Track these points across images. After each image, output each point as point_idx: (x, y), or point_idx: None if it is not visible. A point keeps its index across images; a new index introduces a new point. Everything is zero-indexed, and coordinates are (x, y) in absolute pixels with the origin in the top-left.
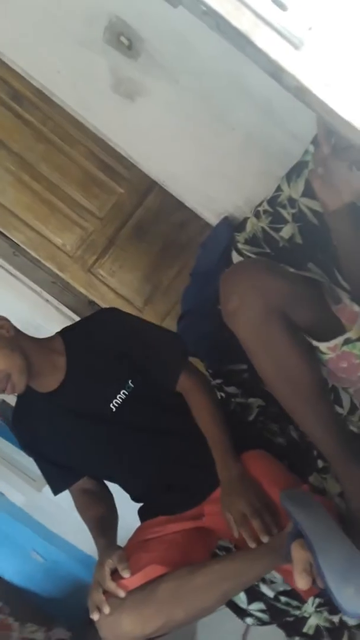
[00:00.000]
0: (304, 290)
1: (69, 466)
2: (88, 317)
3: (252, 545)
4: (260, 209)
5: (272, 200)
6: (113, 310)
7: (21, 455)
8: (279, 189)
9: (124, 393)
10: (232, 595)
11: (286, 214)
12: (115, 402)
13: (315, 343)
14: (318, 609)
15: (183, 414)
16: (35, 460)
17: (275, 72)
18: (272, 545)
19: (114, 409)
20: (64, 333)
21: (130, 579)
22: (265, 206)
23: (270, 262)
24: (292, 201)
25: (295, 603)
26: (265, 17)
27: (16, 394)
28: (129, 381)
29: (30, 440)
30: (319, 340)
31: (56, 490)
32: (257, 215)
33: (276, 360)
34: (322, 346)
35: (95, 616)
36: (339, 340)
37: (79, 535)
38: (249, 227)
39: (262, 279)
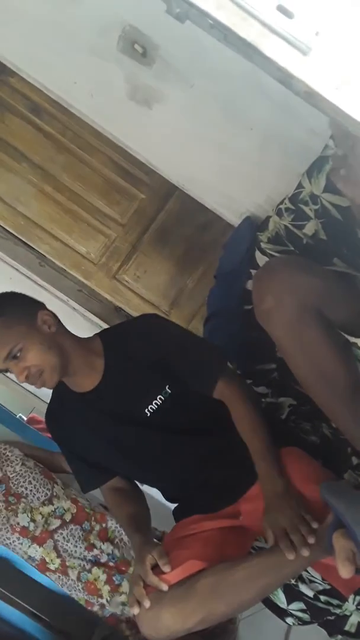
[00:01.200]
0: (338, 285)
1: (100, 465)
2: (127, 322)
3: (291, 557)
4: (282, 206)
5: (294, 198)
6: (152, 317)
7: None
8: (300, 185)
9: (160, 399)
10: (272, 589)
11: (308, 210)
12: (151, 408)
13: (352, 339)
14: (359, 607)
15: (219, 416)
16: (66, 456)
17: (285, 78)
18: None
19: (149, 414)
20: (102, 335)
21: (170, 574)
22: (287, 204)
23: (301, 260)
24: (314, 197)
25: (335, 602)
26: (272, 25)
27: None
28: (167, 387)
29: (62, 436)
30: (356, 335)
31: (86, 488)
32: (279, 213)
33: (312, 359)
34: None
35: (135, 610)
36: None
37: None
38: (271, 225)
39: (295, 277)
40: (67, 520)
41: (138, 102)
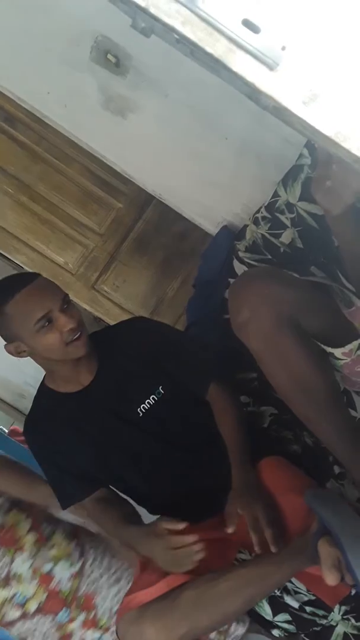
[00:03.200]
0: (314, 296)
1: (86, 473)
2: (119, 324)
3: (258, 550)
4: (259, 215)
5: (270, 206)
6: (144, 318)
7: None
8: (276, 194)
9: (153, 398)
10: (257, 600)
11: (285, 219)
12: (143, 407)
13: (329, 349)
14: (345, 617)
15: (207, 425)
16: (46, 470)
17: (253, 94)
18: (296, 548)
19: (141, 414)
20: (94, 336)
21: (153, 588)
22: (264, 212)
23: (277, 270)
24: (290, 206)
25: (321, 612)
26: (239, 41)
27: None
28: (160, 387)
29: (44, 446)
30: (333, 346)
31: (67, 502)
32: (256, 222)
33: (290, 370)
34: (337, 352)
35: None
36: (354, 345)
37: None
38: (248, 234)
39: (270, 289)
40: (32, 611)
41: (112, 112)
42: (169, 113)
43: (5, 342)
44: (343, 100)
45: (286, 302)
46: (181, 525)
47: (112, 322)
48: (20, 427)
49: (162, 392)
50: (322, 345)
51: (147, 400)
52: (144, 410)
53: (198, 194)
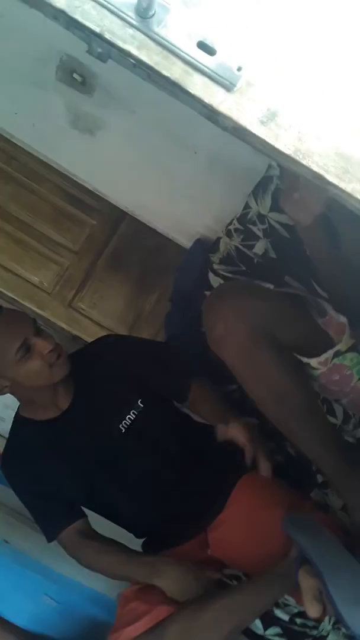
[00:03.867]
0: (288, 307)
1: (70, 501)
2: (88, 345)
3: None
4: (231, 227)
5: (242, 218)
6: (112, 335)
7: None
8: (247, 206)
9: (133, 413)
10: (243, 627)
11: (257, 230)
12: (125, 424)
13: (305, 360)
14: (335, 626)
15: (189, 438)
16: (28, 503)
17: (211, 115)
18: (278, 573)
19: (123, 430)
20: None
21: (140, 623)
22: (236, 224)
23: (249, 283)
24: (261, 217)
25: (311, 623)
26: (195, 63)
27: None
28: (139, 401)
29: (25, 478)
30: (309, 356)
31: (52, 533)
32: (228, 234)
33: (267, 383)
34: (313, 362)
35: None
36: (329, 354)
37: (88, 575)
38: (222, 246)
39: (244, 303)
40: None
41: (81, 130)
42: (137, 130)
43: None
44: (301, 117)
45: (260, 315)
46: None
47: (90, 340)
48: (0, 449)
49: (142, 405)
50: (298, 356)
51: (128, 416)
52: (125, 427)
53: (170, 208)
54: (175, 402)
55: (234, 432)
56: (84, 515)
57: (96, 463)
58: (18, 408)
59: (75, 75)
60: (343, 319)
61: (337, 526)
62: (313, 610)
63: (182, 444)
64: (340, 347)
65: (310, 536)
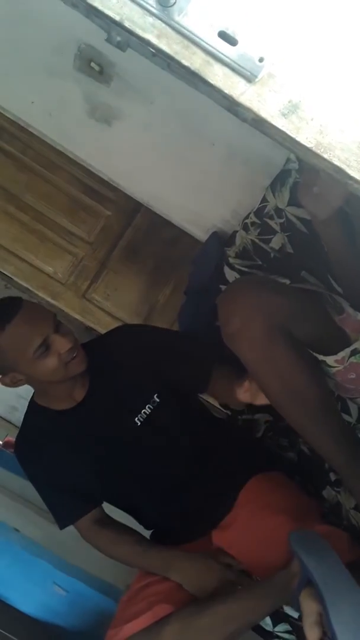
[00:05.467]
0: (305, 303)
1: (83, 491)
2: (105, 335)
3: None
4: (248, 221)
5: (259, 212)
6: (128, 325)
7: (33, 489)
8: (264, 199)
9: (149, 408)
10: (239, 634)
11: (274, 224)
12: (140, 417)
13: (321, 357)
14: None
15: (203, 435)
16: (41, 490)
17: (231, 106)
18: (277, 585)
19: (139, 423)
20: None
21: (139, 620)
22: (253, 218)
23: (266, 278)
24: (278, 211)
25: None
26: (216, 53)
27: (79, 370)
28: (155, 395)
29: (39, 465)
30: (325, 353)
31: (65, 522)
32: (245, 228)
33: (282, 379)
34: (329, 359)
35: None
36: (346, 352)
37: (98, 565)
38: (238, 240)
39: (261, 297)
40: None
41: (97, 120)
42: (154, 120)
43: None
44: (323, 110)
45: (277, 311)
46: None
47: (103, 332)
48: (13, 439)
49: (158, 400)
50: (314, 353)
51: (144, 410)
52: (141, 420)
53: (186, 200)
54: (195, 393)
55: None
56: (99, 504)
57: (109, 455)
58: (33, 394)
59: (93, 65)
60: None
61: (343, 537)
62: (312, 635)
63: (195, 440)
64: (358, 345)
65: (316, 558)
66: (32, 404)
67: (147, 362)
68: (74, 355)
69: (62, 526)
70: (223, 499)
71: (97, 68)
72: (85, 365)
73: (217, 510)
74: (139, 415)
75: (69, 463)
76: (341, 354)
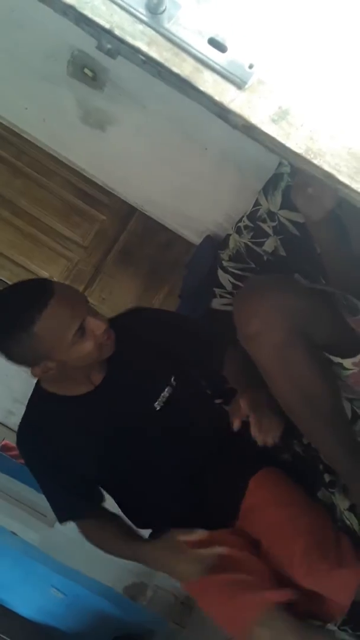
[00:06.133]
0: (321, 305)
1: (87, 484)
2: (116, 318)
3: (255, 433)
4: (241, 224)
5: (252, 215)
6: (141, 308)
7: (31, 493)
8: (257, 203)
9: (167, 391)
10: None
11: (267, 227)
12: (160, 401)
13: (338, 359)
14: (342, 628)
15: (217, 420)
16: (43, 482)
17: (221, 113)
18: None
19: (158, 408)
20: None
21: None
22: (246, 221)
23: (285, 279)
24: (271, 214)
25: (318, 623)
26: (206, 60)
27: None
28: (172, 378)
29: (43, 456)
30: (342, 356)
31: (65, 517)
32: (238, 231)
33: (297, 382)
34: (347, 362)
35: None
36: None
37: (95, 567)
38: (231, 243)
39: (281, 298)
40: None
41: (91, 125)
42: (147, 125)
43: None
44: (313, 116)
45: (297, 313)
46: (197, 535)
47: None
48: (11, 442)
49: (175, 383)
50: (330, 356)
51: (162, 394)
52: (161, 404)
53: (180, 204)
54: (209, 373)
55: (237, 405)
56: (101, 500)
57: (124, 442)
58: (38, 382)
59: (86, 70)
60: None
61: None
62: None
63: (214, 422)
64: None
65: None
66: (39, 390)
67: (161, 343)
68: (109, 336)
69: (61, 520)
70: (238, 486)
71: (90, 74)
72: (114, 346)
73: (232, 498)
74: (158, 400)
75: (76, 451)
76: (359, 357)
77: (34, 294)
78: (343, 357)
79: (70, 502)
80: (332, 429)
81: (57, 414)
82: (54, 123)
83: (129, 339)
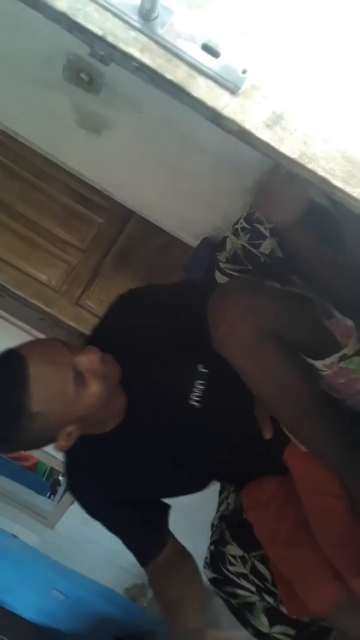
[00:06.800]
0: (295, 307)
1: (153, 511)
2: (110, 312)
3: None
4: (238, 226)
5: (249, 217)
6: (132, 291)
7: (30, 495)
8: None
9: (199, 383)
10: None
11: (263, 229)
12: (195, 396)
13: (310, 361)
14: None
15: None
16: (116, 527)
17: (215, 118)
18: None
19: (197, 404)
20: (94, 339)
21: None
22: (243, 223)
23: (255, 281)
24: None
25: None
26: (199, 66)
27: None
28: (200, 367)
29: (101, 501)
30: (314, 358)
31: (146, 558)
32: (235, 233)
33: (275, 383)
34: (318, 364)
35: None
36: (335, 357)
37: (96, 569)
38: (229, 245)
39: (250, 301)
40: None
41: (87, 129)
42: (144, 129)
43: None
44: (307, 121)
45: (267, 314)
46: None
47: None
48: None
49: (205, 370)
50: (306, 358)
51: (194, 388)
52: (198, 400)
53: (177, 207)
54: None
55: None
56: (166, 531)
57: (176, 452)
58: None
59: (82, 75)
60: (350, 323)
61: None
62: None
63: (250, 409)
64: (347, 351)
65: None
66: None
67: (174, 327)
68: (106, 363)
69: (143, 563)
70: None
71: (86, 78)
72: (118, 367)
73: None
74: (192, 395)
75: (128, 481)
76: (330, 359)
77: (8, 374)
78: (315, 359)
79: (144, 539)
80: (315, 425)
81: (98, 454)
82: (51, 127)
83: (133, 332)
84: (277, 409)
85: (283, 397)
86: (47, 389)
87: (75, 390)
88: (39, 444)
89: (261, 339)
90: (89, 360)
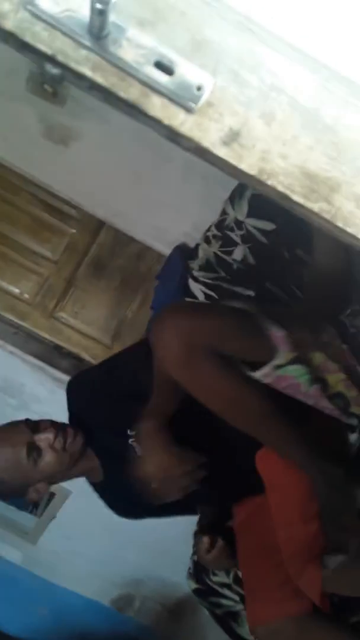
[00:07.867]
0: (227, 322)
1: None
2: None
3: None
4: (210, 234)
5: (220, 224)
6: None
7: (10, 511)
8: (224, 212)
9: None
10: None
11: (235, 236)
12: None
13: (248, 373)
14: None
15: None
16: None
17: (172, 137)
18: None
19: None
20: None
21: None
22: (214, 231)
23: (189, 302)
24: (238, 223)
25: None
26: (153, 84)
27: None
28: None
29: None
30: (252, 369)
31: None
32: (207, 240)
33: (217, 396)
34: (256, 374)
35: None
36: (268, 368)
37: (80, 582)
38: (201, 253)
39: (181, 321)
40: None
41: (54, 141)
42: (111, 139)
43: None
44: (264, 136)
45: (198, 332)
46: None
47: (74, 350)
48: None
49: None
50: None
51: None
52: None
53: (147, 216)
54: None
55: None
56: None
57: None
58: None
59: (46, 87)
60: (281, 333)
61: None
62: None
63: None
64: (279, 361)
65: None
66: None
67: (119, 392)
68: (65, 438)
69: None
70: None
71: (50, 90)
72: (81, 437)
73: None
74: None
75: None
76: (264, 370)
77: None
78: (253, 369)
79: None
80: (271, 427)
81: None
82: (17, 139)
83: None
84: (230, 418)
85: (232, 408)
86: (3, 462)
87: (29, 461)
88: (12, 496)
89: (194, 357)
90: (44, 437)
